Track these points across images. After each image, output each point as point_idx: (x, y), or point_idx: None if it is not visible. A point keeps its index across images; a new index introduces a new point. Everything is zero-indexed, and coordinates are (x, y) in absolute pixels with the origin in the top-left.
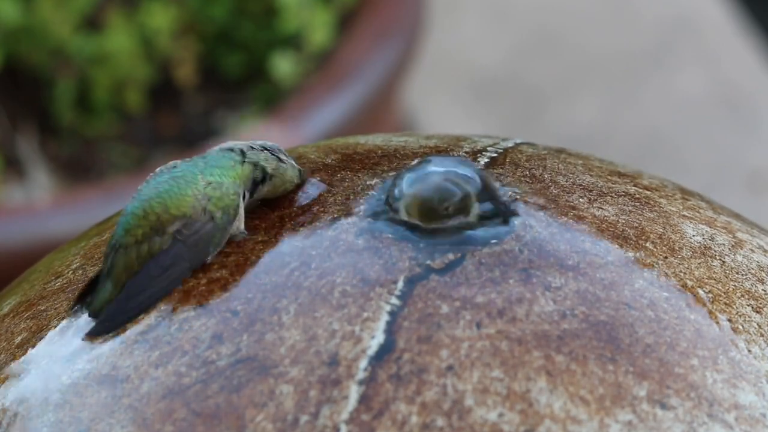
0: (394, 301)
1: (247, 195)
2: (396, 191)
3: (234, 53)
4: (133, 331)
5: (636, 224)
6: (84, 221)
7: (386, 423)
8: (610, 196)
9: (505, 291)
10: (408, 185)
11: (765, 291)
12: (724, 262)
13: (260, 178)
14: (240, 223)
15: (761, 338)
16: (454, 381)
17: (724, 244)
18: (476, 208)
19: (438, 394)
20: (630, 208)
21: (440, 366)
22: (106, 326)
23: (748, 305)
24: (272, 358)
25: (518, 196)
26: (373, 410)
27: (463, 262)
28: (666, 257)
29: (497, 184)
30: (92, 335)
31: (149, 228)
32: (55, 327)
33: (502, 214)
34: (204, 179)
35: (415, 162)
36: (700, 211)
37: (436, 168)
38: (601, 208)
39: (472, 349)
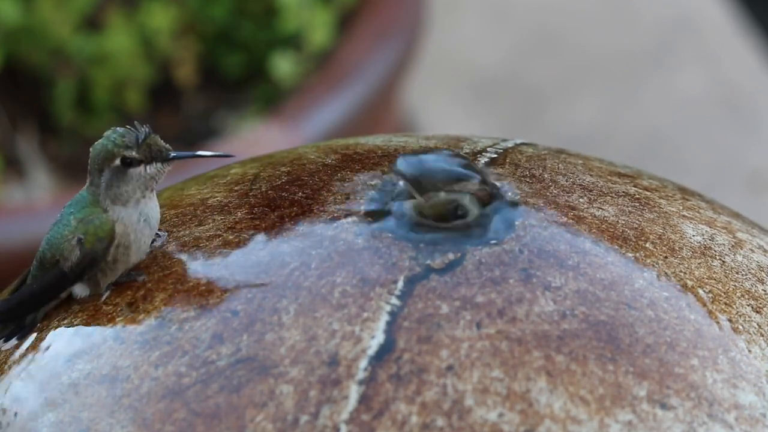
0: (394, 301)
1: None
2: (405, 188)
3: (234, 53)
4: (133, 331)
5: (636, 224)
6: None
7: (386, 423)
8: (610, 196)
9: (505, 291)
10: (418, 182)
11: (765, 291)
12: (724, 262)
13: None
14: (134, 235)
15: (761, 338)
16: (454, 381)
17: (724, 244)
18: (479, 208)
19: (438, 394)
20: (630, 208)
21: (440, 366)
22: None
23: (748, 305)
24: (272, 358)
25: (518, 197)
26: (373, 410)
27: (463, 262)
28: (666, 257)
29: (497, 184)
30: None
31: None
32: (55, 327)
33: (503, 213)
34: (75, 218)
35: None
36: (700, 211)
37: (445, 165)
38: (601, 209)
39: (472, 349)
